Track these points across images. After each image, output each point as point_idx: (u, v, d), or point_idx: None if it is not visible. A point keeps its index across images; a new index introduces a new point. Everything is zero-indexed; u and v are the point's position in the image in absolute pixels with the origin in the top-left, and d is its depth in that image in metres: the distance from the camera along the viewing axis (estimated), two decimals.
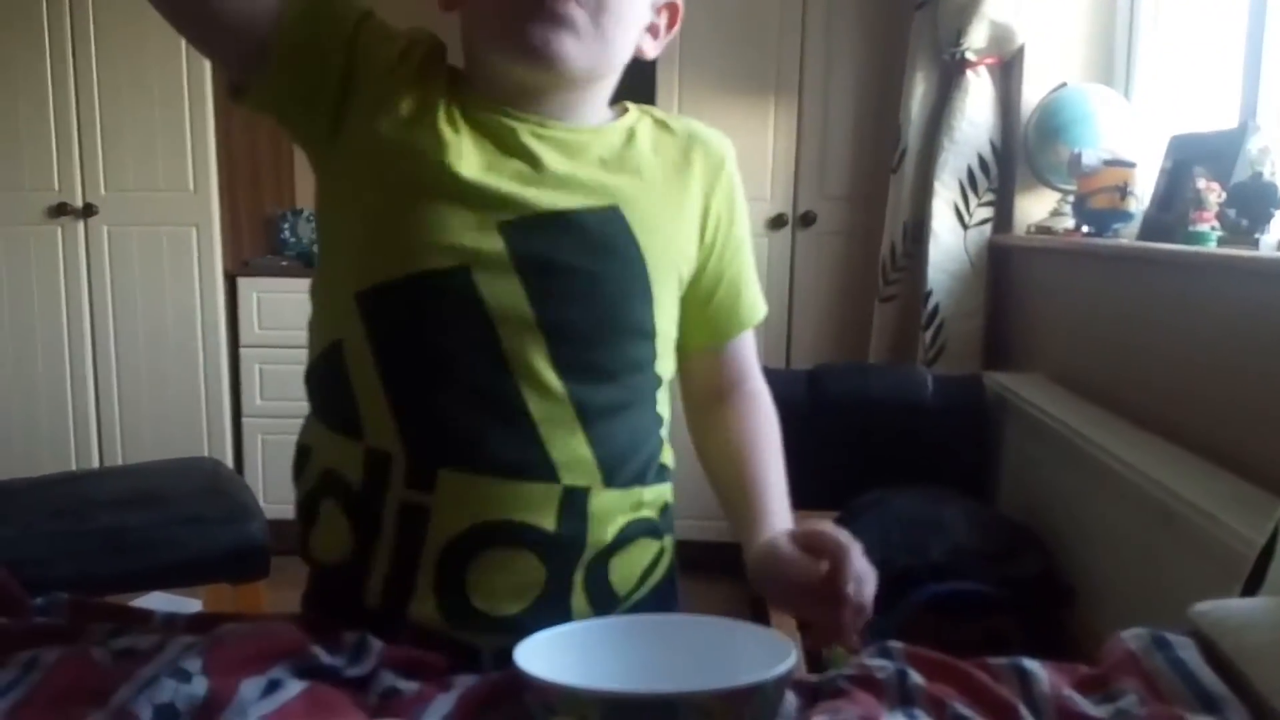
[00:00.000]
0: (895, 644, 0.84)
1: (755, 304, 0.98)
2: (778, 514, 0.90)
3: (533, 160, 0.83)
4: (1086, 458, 1.56)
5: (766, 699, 0.61)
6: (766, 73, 2.76)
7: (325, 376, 0.87)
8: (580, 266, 0.82)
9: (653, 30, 0.89)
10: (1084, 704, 0.74)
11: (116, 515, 1.84)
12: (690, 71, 2.76)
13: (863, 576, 0.78)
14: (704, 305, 0.94)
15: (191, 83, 2.78)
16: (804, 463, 2.04)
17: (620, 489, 0.85)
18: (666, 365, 0.90)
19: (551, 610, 0.80)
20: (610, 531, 0.84)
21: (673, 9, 0.89)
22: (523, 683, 0.63)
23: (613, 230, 0.84)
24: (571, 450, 0.81)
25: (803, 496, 1.95)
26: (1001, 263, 2.46)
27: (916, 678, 0.77)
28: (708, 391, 0.98)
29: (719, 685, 0.58)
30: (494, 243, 0.80)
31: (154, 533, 1.79)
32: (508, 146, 0.83)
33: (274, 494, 2.88)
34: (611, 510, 0.84)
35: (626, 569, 0.87)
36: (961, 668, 0.80)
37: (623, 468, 0.85)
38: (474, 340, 0.79)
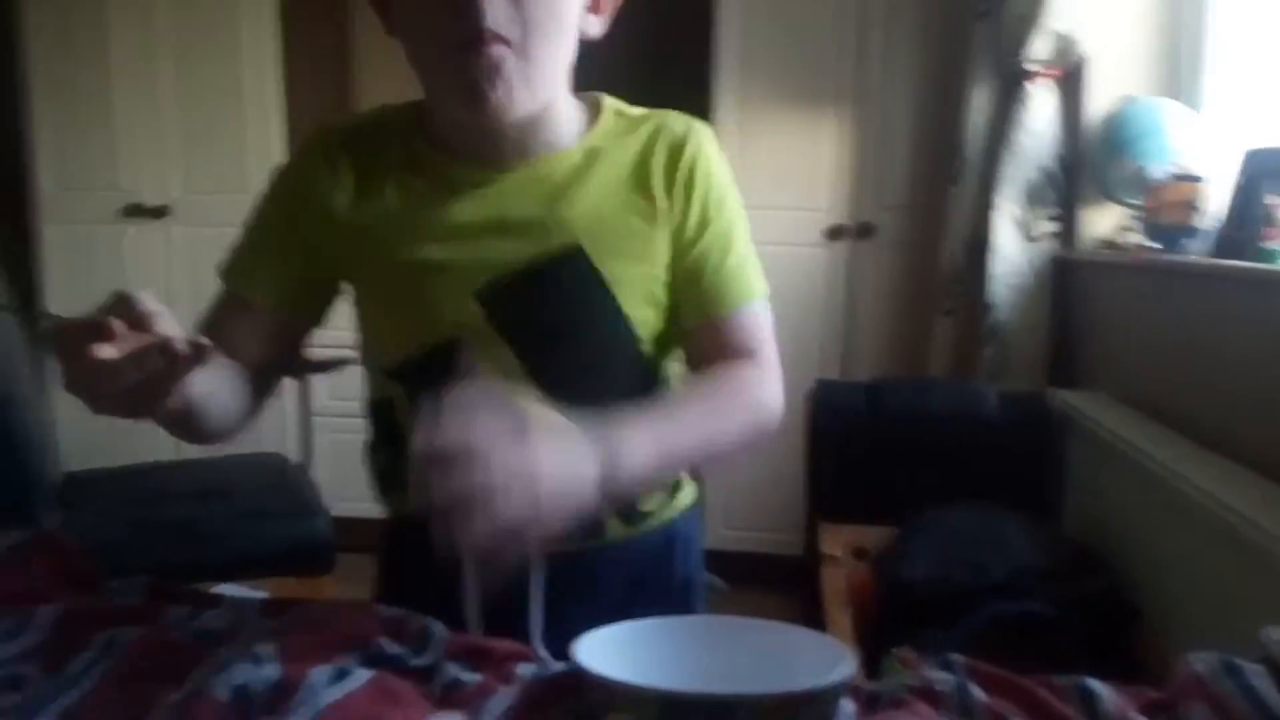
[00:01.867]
0: (957, 657, 0.84)
1: (740, 283, 0.93)
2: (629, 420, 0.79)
3: (493, 211, 0.88)
4: (1152, 478, 1.53)
5: (824, 704, 0.61)
6: (824, 83, 2.75)
7: (381, 418, 0.99)
8: (555, 319, 0.88)
9: (593, 6, 0.88)
10: None
11: (188, 507, 1.91)
12: (748, 81, 2.76)
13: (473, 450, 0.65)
14: (688, 287, 0.92)
15: (265, 90, 2.86)
16: (862, 476, 2.05)
17: None
18: (663, 361, 0.96)
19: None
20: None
21: None
22: (582, 679, 0.64)
23: (579, 275, 0.88)
24: None
25: (861, 509, 1.95)
26: (1066, 278, 2.42)
27: (977, 692, 0.77)
28: (698, 365, 0.95)
29: (777, 689, 0.59)
30: (473, 313, 0.88)
31: (223, 525, 1.85)
32: (466, 203, 0.88)
33: (339, 491, 2.92)
34: None
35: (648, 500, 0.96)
36: (1024, 685, 0.79)
37: None
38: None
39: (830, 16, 2.72)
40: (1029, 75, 2.36)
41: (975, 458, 1.98)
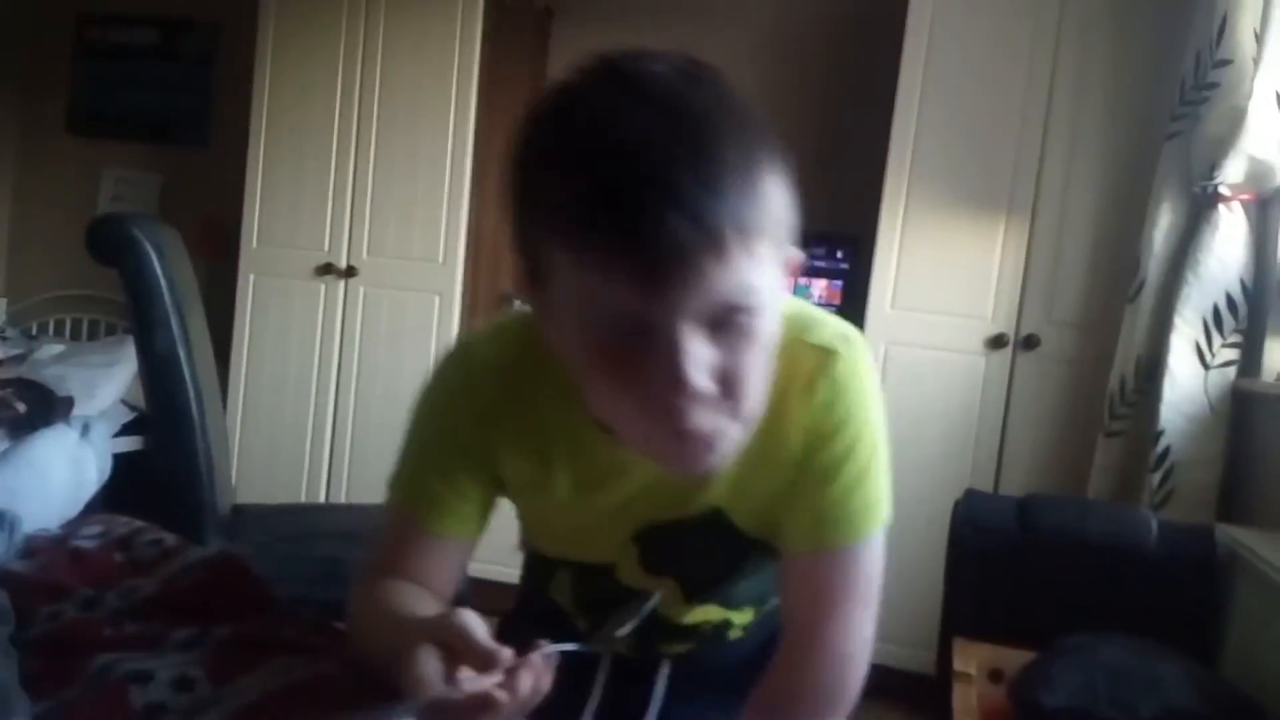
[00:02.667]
0: None
1: (847, 517, 0.85)
2: None
3: (654, 482, 0.86)
4: None
5: None
6: (1000, 190, 2.73)
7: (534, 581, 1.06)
8: (696, 557, 0.93)
9: (789, 273, 0.78)
10: None
11: (334, 547, 2.00)
12: (919, 178, 2.77)
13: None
14: (804, 517, 0.86)
15: (454, 166, 3.07)
16: (1005, 594, 1.96)
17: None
18: None
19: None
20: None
21: (795, 261, 0.78)
22: None
23: (718, 529, 0.90)
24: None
25: (1001, 630, 1.87)
26: (1245, 409, 2.28)
27: None
28: (785, 612, 0.90)
29: None
30: (629, 551, 0.93)
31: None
32: (629, 478, 0.87)
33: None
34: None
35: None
36: None
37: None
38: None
39: (1014, 124, 2.71)
40: (1220, 198, 2.28)
41: (1130, 588, 1.87)
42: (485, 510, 0.91)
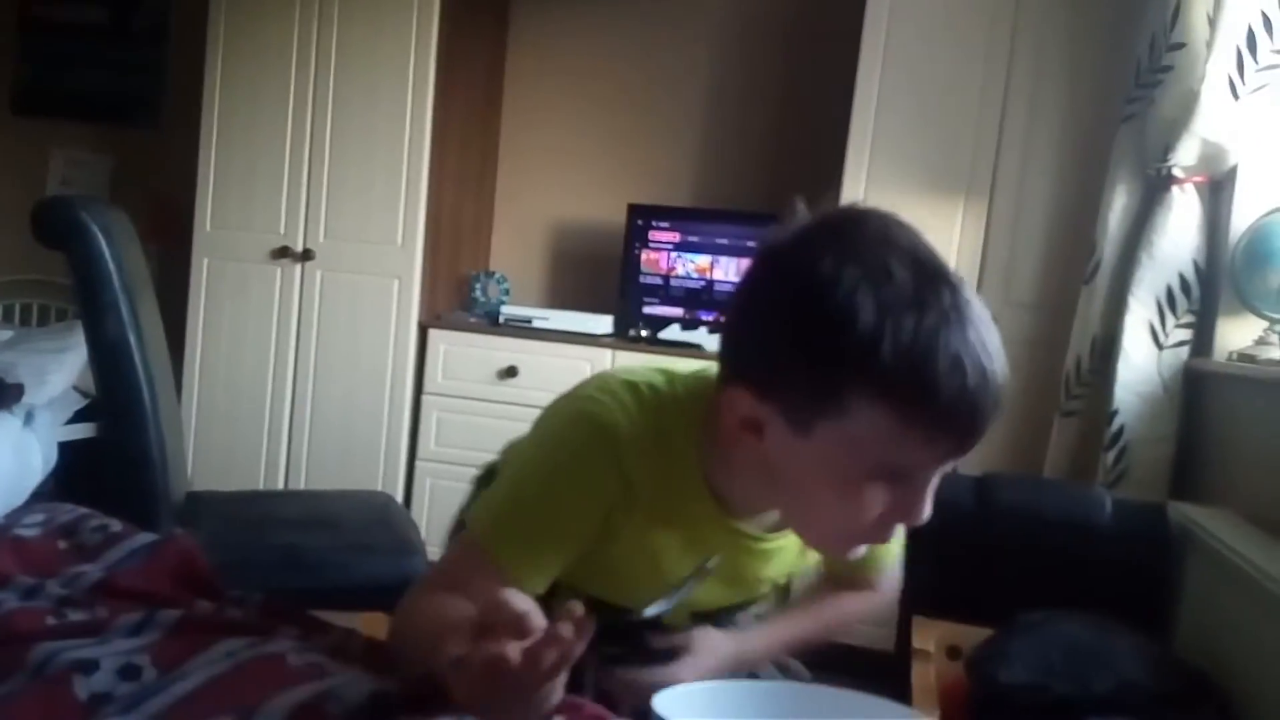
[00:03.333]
0: None
1: (886, 555, 1.16)
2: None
3: (733, 577, 1.00)
4: (1278, 604, 1.43)
5: None
6: (959, 172, 2.75)
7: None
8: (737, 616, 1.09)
9: None
10: None
11: (294, 534, 1.97)
12: (879, 162, 2.78)
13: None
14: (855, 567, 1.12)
15: (412, 147, 3.03)
16: (963, 572, 1.98)
17: None
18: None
19: None
20: None
21: None
22: None
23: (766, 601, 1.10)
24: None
25: (959, 607, 1.88)
26: (1196, 388, 2.32)
27: None
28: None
29: None
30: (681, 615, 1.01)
31: (326, 555, 1.91)
32: (719, 558, 0.94)
33: (438, 534, 2.99)
34: None
35: None
36: None
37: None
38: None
39: (973, 107, 2.73)
40: (1174, 180, 2.30)
41: (1085, 565, 1.89)
42: (555, 575, 0.95)
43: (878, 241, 0.80)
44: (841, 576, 1.14)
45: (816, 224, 0.83)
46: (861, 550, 0.88)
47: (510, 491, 0.94)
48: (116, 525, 0.97)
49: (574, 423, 0.93)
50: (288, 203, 3.11)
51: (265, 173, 3.11)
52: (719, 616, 1.07)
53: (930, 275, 0.79)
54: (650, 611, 0.76)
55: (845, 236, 0.80)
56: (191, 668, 0.75)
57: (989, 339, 0.80)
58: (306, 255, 3.10)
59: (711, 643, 1.00)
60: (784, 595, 1.17)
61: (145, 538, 0.96)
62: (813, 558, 1.07)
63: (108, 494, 1.87)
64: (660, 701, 0.64)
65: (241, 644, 0.78)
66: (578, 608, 0.63)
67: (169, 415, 1.96)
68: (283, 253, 3.11)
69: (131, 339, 1.80)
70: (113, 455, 1.85)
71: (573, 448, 0.92)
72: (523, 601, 0.65)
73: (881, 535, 0.84)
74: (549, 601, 1.04)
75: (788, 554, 1.02)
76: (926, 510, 0.82)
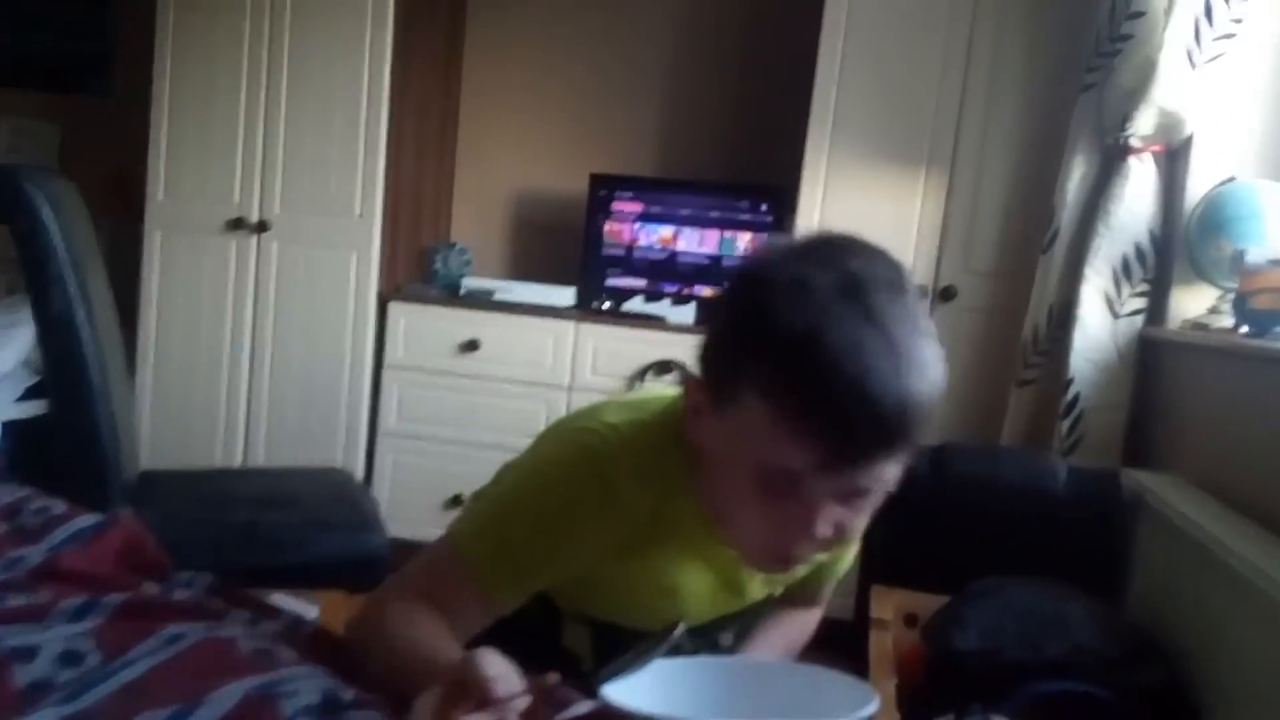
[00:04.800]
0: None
1: (844, 571, 1.18)
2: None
3: (730, 587, 1.01)
4: (1225, 568, 1.46)
5: None
6: (919, 143, 2.75)
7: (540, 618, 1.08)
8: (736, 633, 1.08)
9: None
10: None
11: (252, 512, 1.95)
12: (841, 134, 2.77)
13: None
14: (810, 580, 1.13)
15: (370, 115, 2.97)
16: (920, 540, 2.01)
17: None
18: None
19: None
20: None
21: None
22: (610, 713, 0.64)
23: (762, 610, 1.10)
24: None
25: (916, 575, 1.91)
26: (1151, 357, 2.35)
27: None
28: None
29: None
30: (680, 631, 0.97)
31: (283, 532, 1.89)
32: (709, 573, 0.99)
33: (398, 511, 2.97)
34: None
35: None
36: None
37: None
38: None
39: (934, 78, 2.72)
40: (1131, 149, 2.32)
41: (1039, 531, 1.92)
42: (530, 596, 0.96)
43: (829, 256, 0.81)
44: (794, 593, 1.15)
45: (791, 239, 0.86)
46: (798, 569, 0.90)
47: (497, 505, 0.95)
48: (60, 506, 0.95)
49: (568, 446, 0.94)
50: (242, 173, 3.05)
51: (219, 142, 3.04)
52: (710, 628, 1.07)
53: (855, 287, 0.78)
54: (608, 679, 0.76)
55: (805, 249, 0.83)
56: (137, 654, 0.73)
57: (906, 356, 0.77)
58: (262, 227, 3.04)
59: None
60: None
61: (89, 519, 0.94)
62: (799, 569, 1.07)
63: (57, 473, 1.83)
64: (612, 685, 0.64)
65: (190, 628, 0.77)
66: (552, 678, 0.66)
67: (120, 392, 1.92)
68: (238, 224, 3.05)
69: (79, 314, 1.76)
70: (61, 434, 1.81)
71: (565, 470, 0.92)
72: (496, 665, 0.66)
73: (784, 549, 0.83)
74: (557, 628, 1.05)
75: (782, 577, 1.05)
76: (821, 528, 0.81)
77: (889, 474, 0.82)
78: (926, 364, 0.79)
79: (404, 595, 0.90)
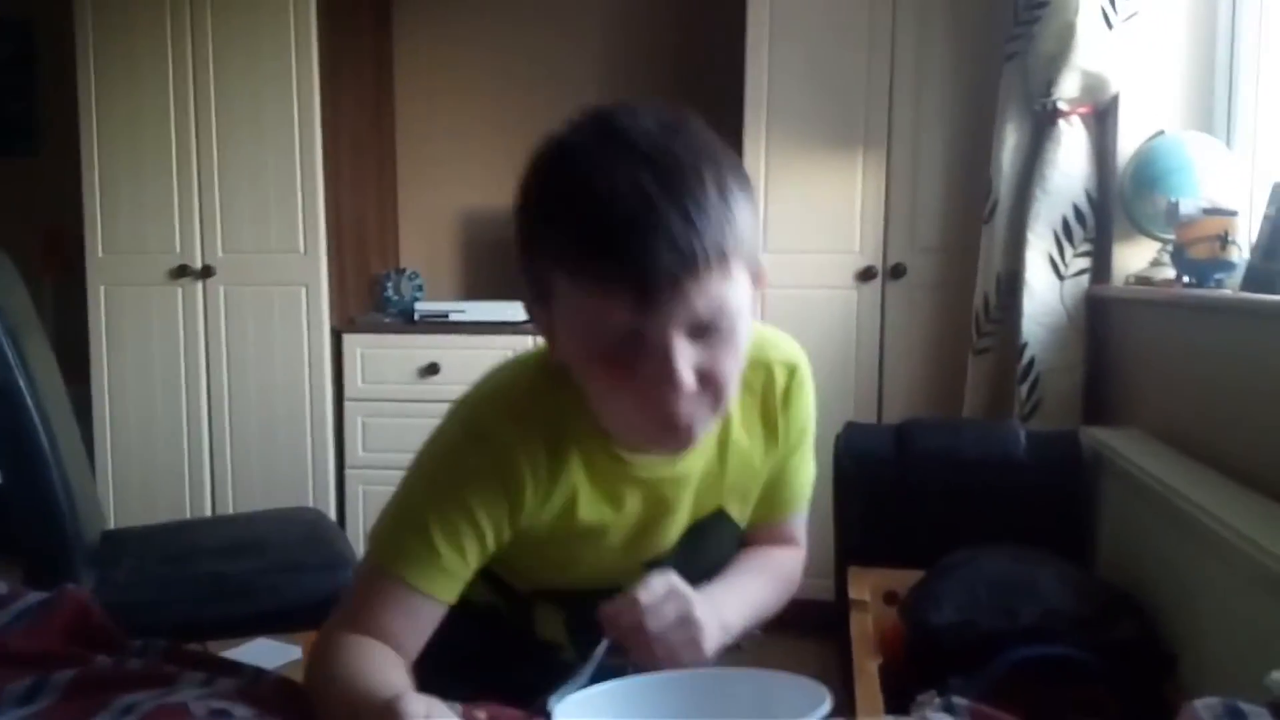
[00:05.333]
0: (961, 700, 0.83)
1: (802, 492, 1.11)
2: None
3: (660, 500, 0.97)
4: (1187, 518, 1.49)
5: None
6: (855, 125, 2.77)
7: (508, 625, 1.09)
8: (700, 562, 1.02)
9: (756, 283, 0.89)
10: None
11: (220, 562, 1.93)
12: (777, 123, 2.79)
13: (646, 609, 0.87)
14: (768, 495, 1.08)
15: (303, 150, 2.95)
16: (891, 519, 2.02)
17: None
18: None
19: None
20: None
21: (763, 273, 0.89)
22: None
23: (719, 527, 1.04)
24: None
25: (891, 553, 1.92)
26: (1100, 315, 2.38)
27: None
28: (754, 543, 1.13)
29: None
30: (638, 573, 0.94)
31: (254, 580, 1.87)
32: (639, 498, 0.97)
33: None
34: None
35: None
36: None
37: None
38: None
39: (861, 60, 2.74)
40: (1060, 113, 2.35)
41: (1005, 499, 1.94)
42: (466, 579, 0.92)
43: (586, 116, 0.83)
44: (760, 528, 1.10)
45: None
46: (677, 444, 0.86)
47: (400, 506, 0.93)
48: (2, 587, 0.93)
49: (448, 426, 0.94)
50: (181, 220, 3.01)
51: (153, 191, 3.01)
52: (673, 560, 1.02)
53: (606, 121, 0.80)
54: (559, 697, 0.75)
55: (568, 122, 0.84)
56: None
57: (664, 164, 0.77)
58: (207, 272, 3.01)
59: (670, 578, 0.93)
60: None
61: (34, 597, 0.92)
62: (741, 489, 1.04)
63: (16, 543, 1.80)
64: (559, 711, 0.63)
65: (143, 697, 0.76)
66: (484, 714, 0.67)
67: (71, 456, 1.89)
68: (181, 271, 3.01)
69: (21, 382, 1.73)
70: (16, 504, 1.78)
71: (450, 448, 0.92)
72: (419, 706, 0.67)
73: (663, 412, 0.81)
74: (529, 617, 1.05)
75: (708, 480, 1.00)
76: (678, 373, 0.78)
77: (726, 297, 0.79)
78: (698, 172, 0.78)
79: (341, 628, 0.89)
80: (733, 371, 0.84)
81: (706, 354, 0.81)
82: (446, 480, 0.91)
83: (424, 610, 0.90)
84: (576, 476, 0.93)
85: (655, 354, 0.79)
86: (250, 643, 2.64)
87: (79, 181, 3.03)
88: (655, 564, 0.97)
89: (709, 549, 1.05)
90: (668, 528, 1.00)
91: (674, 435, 0.84)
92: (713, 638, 0.88)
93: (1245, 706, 0.74)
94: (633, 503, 0.97)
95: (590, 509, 0.95)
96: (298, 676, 1.93)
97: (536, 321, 0.89)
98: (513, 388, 0.95)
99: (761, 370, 1.00)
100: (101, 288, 3.06)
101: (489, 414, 0.92)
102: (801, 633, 2.74)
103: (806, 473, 1.10)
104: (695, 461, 0.98)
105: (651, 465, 0.95)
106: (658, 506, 0.98)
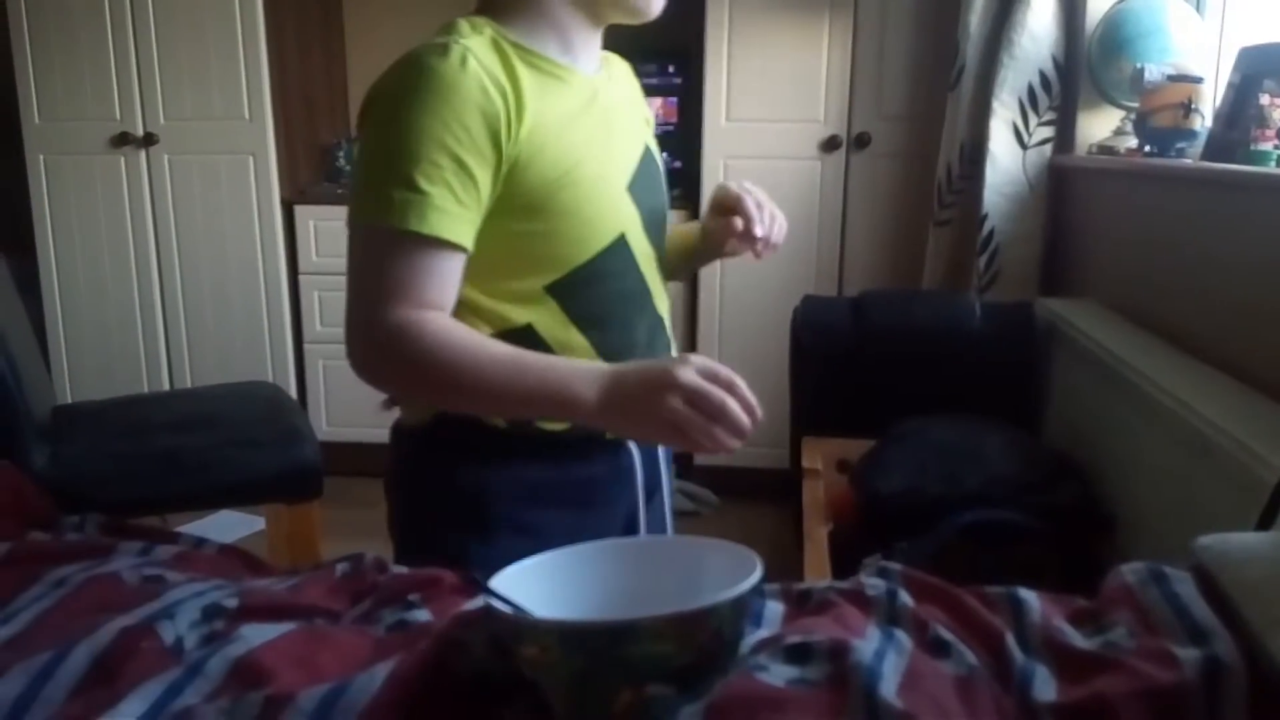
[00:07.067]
0: (894, 565, 0.85)
1: None
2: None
3: (609, 115, 1.00)
4: (1130, 385, 1.51)
5: (723, 620, 0.61)
6: None
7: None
8: (659, 197, 1.06)
9: None
10: (1072, 635, 0.74)
11: (175, 437, 1.92)
12: None
13: (761, 201, 1.06)
14: None
15: (244, 12, 2.80)
16: (846, 389, 2.04)
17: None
18: None
19: None
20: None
21: None
22: (490, 614, 0.64)
23: (655, 163, 1.06)
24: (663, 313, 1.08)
25: (845, 423, 1.95)
26: (1062, 185, 2.36)
27: (906, 598, 0.78)
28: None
29: (673, 608, 0.59)
30: (630, 208, 0.99)
31: (209, 454, 1.86)
32: (594, 112, 0.98)
33: (335, 417, 2.96)
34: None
35: None
36: (954, 593, 0.80)
37: None
38: (633, 286, 1.01)
39: None
40: None
41: (958, 369, 1.97)
42: (469, 220, 0.88)
43: None
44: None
45: None
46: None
47: (387, 159, 0.86)
48: None
49: (403, 71, 0.88)
50: (119, 86, 2.87)
51: (88, 56, 2.86)
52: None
53: None
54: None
55: None
56: (22, 603, 0.72)
57: None
58: (149, 140, 2.89)
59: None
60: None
61: None
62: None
63: None
64: (498, 582, 0.64)
65: (76, 569, 0.75)
66: None
67: (16, 331, 1.85)
68: (123, 139, 2.90)
69: None
70: None
71: (420, 80, 0.86)
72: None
73: None
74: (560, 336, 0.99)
75: (628, 106, 1.07)
76: None
77: None
78: None
79: (386, 310, 0.85)
80: None
81: None
82: (437, 112, 0.85)
83: (458, 262, 0.88)
84: (526, 83, 0.89)
85: None
86: (214, 515, 2.66)
87: (8, 46, 2.88)
88: (635, 190, 0.99)
89: (655, 183, 1.06)
90: (624, 143, 1.01)
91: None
92: None
93: (1169, 571, 0.75)
94: (591, 118, 0.97)
95: (552, 117, 0.92)
96: (262, 547, 1.95)
97: None
98: (434, 39, 0.90)
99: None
100: (41, 156, 2.94)
101: (420, 52, 0.87)
102: (757, 500, 2.83)
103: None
104: (610, 82, 1.03)
105: (580, 72, 0.98)
106: (605, 115, 0.98)
